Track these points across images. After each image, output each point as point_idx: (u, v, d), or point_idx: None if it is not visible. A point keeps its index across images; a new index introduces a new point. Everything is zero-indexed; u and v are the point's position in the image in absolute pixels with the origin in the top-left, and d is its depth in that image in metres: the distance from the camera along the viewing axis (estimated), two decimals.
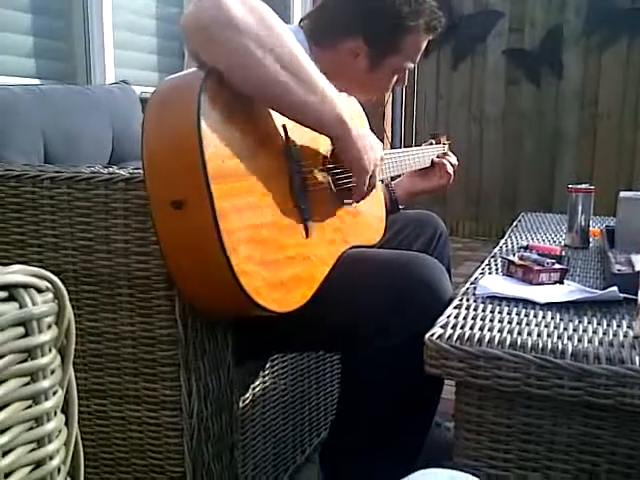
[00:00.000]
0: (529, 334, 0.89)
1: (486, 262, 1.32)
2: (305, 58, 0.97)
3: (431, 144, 1.65)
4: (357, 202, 1.17)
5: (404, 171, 1.49)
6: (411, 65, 1.40)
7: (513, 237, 1.64)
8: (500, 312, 0.99)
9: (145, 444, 1.04)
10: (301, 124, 1.02)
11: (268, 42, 0.92)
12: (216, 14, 0.90)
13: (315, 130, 1.04)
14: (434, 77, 4.60)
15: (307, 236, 1.04)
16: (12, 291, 0.46)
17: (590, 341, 0.87)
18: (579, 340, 0.87)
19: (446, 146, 1.69)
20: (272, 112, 1.01)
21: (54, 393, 0.50)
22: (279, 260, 0.96)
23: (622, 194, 1.48)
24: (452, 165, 1.61)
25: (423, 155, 1.57)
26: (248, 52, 0.91)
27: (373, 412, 1.11)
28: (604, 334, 0.90)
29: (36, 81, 2.23)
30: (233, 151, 0.91)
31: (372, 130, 1.43)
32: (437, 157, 1.62)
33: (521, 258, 1.21)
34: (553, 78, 4.30)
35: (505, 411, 0.88)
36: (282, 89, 0.94)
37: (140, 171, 0.92)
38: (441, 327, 0.92)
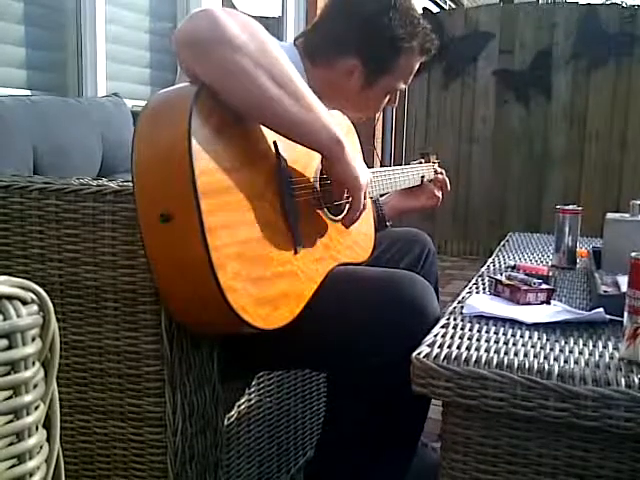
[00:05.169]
0: (516, 354, 0.89)
1: (473, 281, 1.32)
2: (298, 78, 0.97)
3: (420, 162, 1.66)
4: (353, 222, 1.13)
5: (393, 189, 1.50)
6: (403, 86, 1.41)
7: (501, 256, 1.64)
8: (487, 332, 0.99)
9: (128, 461, 1.03)
10: (295, 141, 1.02)
11: (263, 61, 0.92)
12: (211, 30, 0.90)
13: (310, 147, 1.03)
14: (425, 97, 4.65)
15: (296, 253, 1.04)
16: None
17: (576, 362, 0.87)
18: (565, 361, 0.87)
19: (436, 164, 1.70)
20: (263, 128, 1.01)
21: (36, 408, 0.50)
22: (267, 277, 0.96)
23: (609, 215, 1.49)
24: (442, 189, 1.62)
25: (412, 173, 1.58)
26: (243, 70, 0.90)
27: (359, 431, 1.10)
28: (590, 355, 0.90)
29: (27, 92, 2.22)
30: (223, 167, 0.91)
31: (362, 147, 1.44)
32: (430, 181, 1.64)
33: (508, 278, 1.21)
34: (542, 99, 4.35)
35: (492, 432, 0.88)
36: (277, 106, 0.94)
37: (129, 184, 0.92)
38: (428, 346, 0.91)
